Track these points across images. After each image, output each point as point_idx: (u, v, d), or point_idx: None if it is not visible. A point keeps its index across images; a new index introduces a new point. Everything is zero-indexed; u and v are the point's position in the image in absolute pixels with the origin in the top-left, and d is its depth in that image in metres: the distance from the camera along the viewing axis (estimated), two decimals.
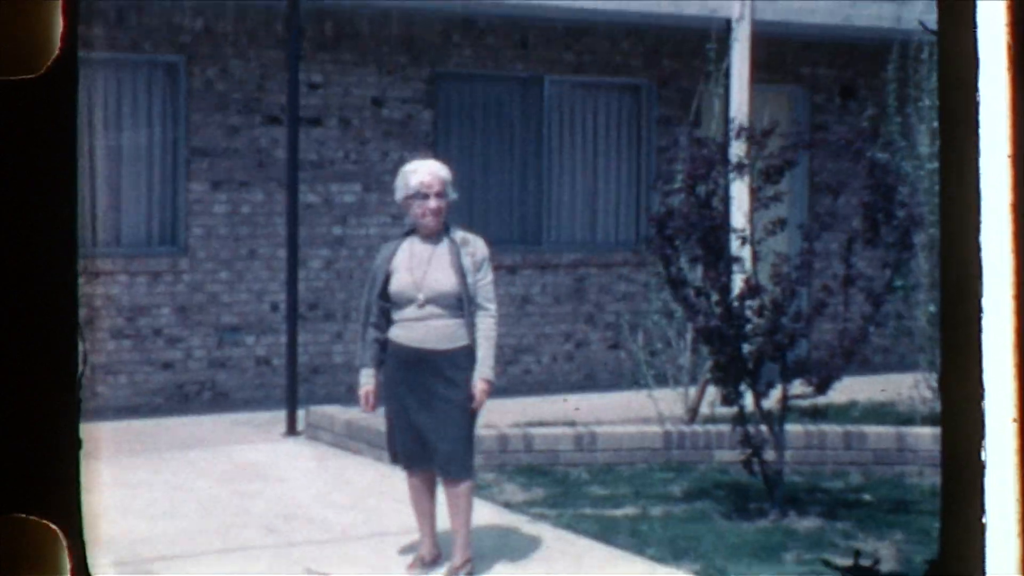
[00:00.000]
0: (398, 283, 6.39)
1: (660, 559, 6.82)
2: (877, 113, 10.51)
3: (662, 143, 12.17)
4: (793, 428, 8.58)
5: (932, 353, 9.59)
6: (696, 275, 7.97)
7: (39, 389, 2.88)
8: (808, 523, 7.53)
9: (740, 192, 9.03)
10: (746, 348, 7.60)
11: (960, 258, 2.82)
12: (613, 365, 12.18)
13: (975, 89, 2.82)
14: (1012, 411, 2.84)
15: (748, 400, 7.76)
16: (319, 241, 11.25)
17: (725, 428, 8.63)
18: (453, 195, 6.50)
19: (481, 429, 7.39)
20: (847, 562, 6.15)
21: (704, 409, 9.64)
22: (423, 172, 6.44)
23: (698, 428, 9.20)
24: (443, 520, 6.56)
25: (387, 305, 6.44)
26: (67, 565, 2.85)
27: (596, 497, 8.09)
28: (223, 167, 10.94)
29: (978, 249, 2.81)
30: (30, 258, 2.86)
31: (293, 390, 10.02)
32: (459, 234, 6.47)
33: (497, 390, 6.54)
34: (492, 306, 6.43)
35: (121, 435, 9.46)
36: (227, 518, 7.51)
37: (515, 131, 12.08)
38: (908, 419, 9.68)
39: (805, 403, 7.98)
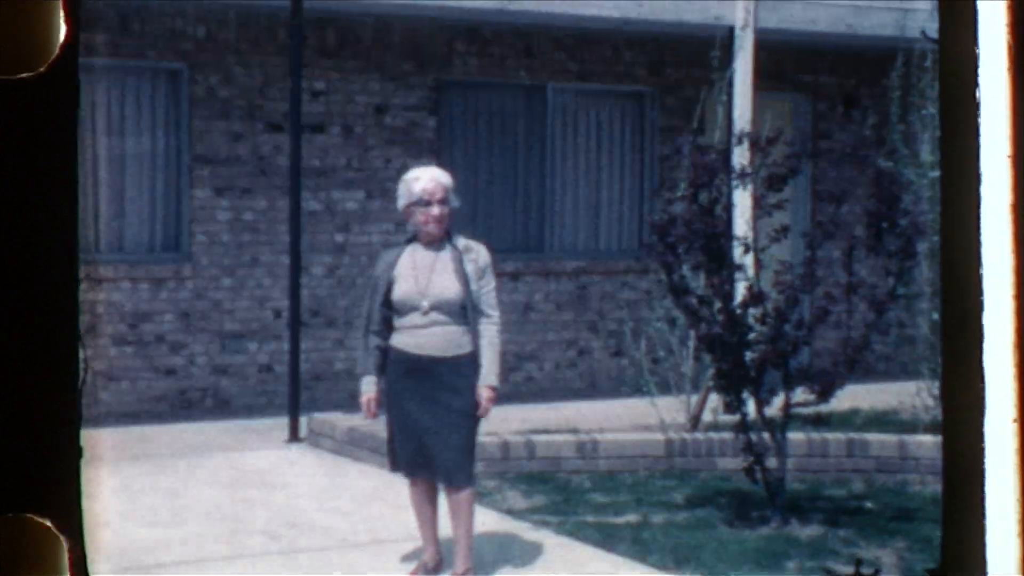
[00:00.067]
0: (401, 290, 6.38)
1: (662, 566, 6.82)
2: (880, 121, 10.50)
3: (665, 151, 12.15)
4: (795, 436, 8.56)
5: (934, 361, 9.58)
6: (699, 283, 7.97)
7: (39, 392, 2.87)
8: (810, 531, 7.52)
9: (743, 200, 9.05)
10: (748, 356, 7.60)
11: (960, 258, 2.82)
12: (615, 372, 12.17)
13: (975, 89, 2.82)
14: (1012, 412, 2.84)
15: (750, 408, 7.75)
16: (322, 248, 11.25)
17: (727, 436, 8.62)
18: (455, 202, 6.49)
19: (483, 436, 7.38)
20: (849, 570, 6.15)
21: (706, 417, 9.64)
22: (426, 179, 6.43)
23: (700, 436, 9.19)
24: (445, 527, 6.56)
25: (389, 312, 6.43)
26: (67, 565, 2.84)
27: (598, 504, 8.08)
28: (226, 174, 10.94)
29: (978, 248, 2.82)
30: (30, 259, 2.85)
31: (295, 397, 10.01)
32: (462, 241, 6.46)
33: (499, 397, 6.53)
34: (495, 313, 6.43)
35: (123, 441, 9.47)
36: (229, 525, 7.51)
37: (518, 139, 12.08)
38: (911, 427, 9.66)
39: (807, 411, 7.96)
